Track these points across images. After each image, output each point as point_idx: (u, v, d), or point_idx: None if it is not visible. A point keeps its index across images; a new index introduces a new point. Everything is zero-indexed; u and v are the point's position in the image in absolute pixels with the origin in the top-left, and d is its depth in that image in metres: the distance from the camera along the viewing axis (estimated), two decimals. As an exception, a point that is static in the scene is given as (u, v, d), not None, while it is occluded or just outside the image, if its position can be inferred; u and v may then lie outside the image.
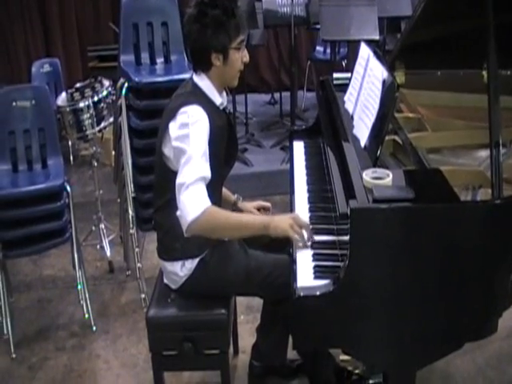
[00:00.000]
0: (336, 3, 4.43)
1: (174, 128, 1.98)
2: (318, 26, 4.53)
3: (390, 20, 4.70)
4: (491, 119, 1.72)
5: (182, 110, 1.97)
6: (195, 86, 2.06)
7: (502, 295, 1.70)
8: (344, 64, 5.52)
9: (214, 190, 1.99)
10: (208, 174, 1.90)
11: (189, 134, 1.93)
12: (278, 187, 4.12)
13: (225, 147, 2.12)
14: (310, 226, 1.96)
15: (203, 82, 2.06)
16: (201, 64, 2.05)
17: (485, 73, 2.65)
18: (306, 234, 1.91)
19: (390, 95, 1.85)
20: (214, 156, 1.97)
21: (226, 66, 2.02)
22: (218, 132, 2.02)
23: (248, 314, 2.93)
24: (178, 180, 1.90)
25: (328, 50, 5.40)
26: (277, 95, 5.63)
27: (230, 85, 2.14)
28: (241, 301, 2.75)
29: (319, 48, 5.84)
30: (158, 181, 2.17)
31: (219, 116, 2.07)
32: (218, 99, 2.08)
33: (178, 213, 1.90)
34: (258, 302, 2.45)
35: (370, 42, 4.73)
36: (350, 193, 1.66)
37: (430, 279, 1.59)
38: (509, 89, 2.69)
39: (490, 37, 1.88)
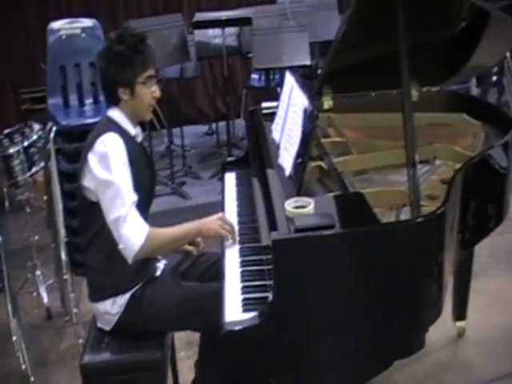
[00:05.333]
0: (267, 31, 4.52)
1: (93, 160, 2.01)
2: (251, 55, 4.59)
3: (323, 44, 4.80)
4: (406, 140, 1.76)
5: (99, 140, 2.01)
6: (109, 119, 2.13)
7: (428, 310, 1.73)
8: (279, 90, 5.56)
9: (143, 212, 2.05)
10: (135, 197, 1.99)
11: (110, 164, 1.97)
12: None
13: (144, 177, 2.15)
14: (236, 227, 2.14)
15: (116, 115, 2.12)
16: (111, 98, 2.12)
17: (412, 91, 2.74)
18: (233, 231, 2.11)
19: (310, 124, 1.89)
20: (136, 181, 2.02)
21: (134, 100, 2.08)
22: (136, 159, 2.06)
23: (188, 350, 2.90)
24: (113, 215, 1.95)
25: (263, 78, 5.47)
26: (215, 125, 5.66)
27: (142, 119, 2.19)
28: (180, 336, 2.72)
29: (254, 76, 5.88)
30: (80, 218, 2.21)
31: (135, 146, 2.13)
32: (133, 130, 2.14)
33: (121, 246, 1.96)
34: (197, 336, 2.42)
35: (302, 67, 4.91)
36: (272, 224, 1.66)
37: (357, 302, 1.61)
38: (433, 106, 2.80)
39: (403, 58, 1.94)
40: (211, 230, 2.10)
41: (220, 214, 2.18)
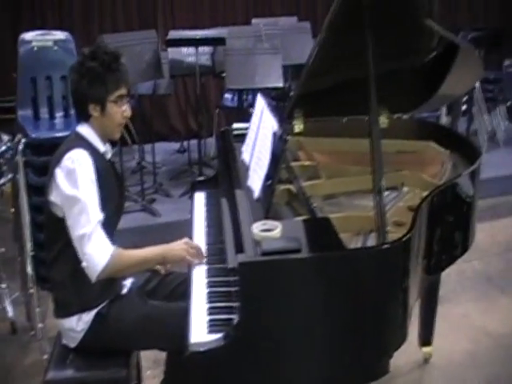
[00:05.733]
0: (240, 52, 4.56)
1: (60, 175, 1.99)
2: (225, 75, 4.61)
3: (296, 67, 4.85)
4: (373, 167, 1.78)
5: (67, 156, 1.99)
6: (77, 135, 2.11)
7: (393, 336, 1.75)
8: (252, 111, 5.59)
9: (109, 230, 2.03)
10: (101, 215, 1.97)
11: (77, 180, 1.96)
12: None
13: (112, 195, 2.13)
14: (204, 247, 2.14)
15: (86, 131, 2.11)
16: (81, 113, 2.11)
17: (381, 118, 2.78)
18: (200, 255, 2.11)
19: (279, 147, 1.90)
20: (104, 198, 2.01)
21: (104, 117, 2.07)
22: (104, 176, 2.05)
23: (155, 369, 2.86)
24: (78, 232, 1.94)
25: (236, 98, 5.49)
26: (186, 143, 5.65)
27: (111, 137, 2.18)
28: (147, 355, 2.70)
29: (227, 95, 5.91)
30: (46, 233, 2.19)
31: (104, 163, 2.11)
32: (102, 147, 2.12)
33: (84, 264, 1.94)
34: (165, 355, 2.37)
35: (275, 89, 4.94)
36: (239, 246, 1.66)
37: (322, 326, 1.61)
38: (403, 133, 2.85)
39: (371, 84, 1.97)
40: (176, 255, 2.10)
41: (186, 239, 2.17)
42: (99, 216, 1.97)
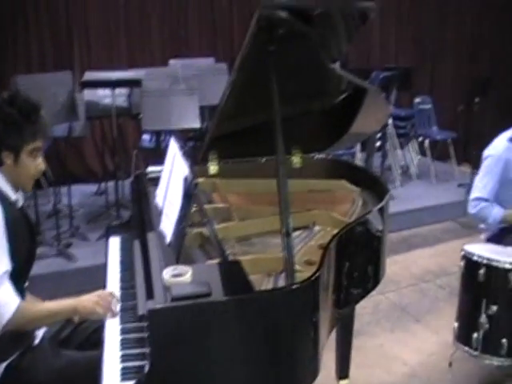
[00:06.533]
0: (157, 93, 4.56)
1: None
2: (141, 116, 4.61)
3: (213, 108, 4.90)
4: (280, 210, 1.83)
5: None
6: None
7: (305, 371, 1.77)
8: (169, 152, 5.59)
9: (20, 280, 1.99)
10: (9, 266, 1.92)
11: None
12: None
13: (23, 244, 2.07)
14: (115, 298, 2.07)
15: None
16: None
17: (293, 158, 2.86)
18: (113, 307, 2.04)
19: (189, 192, 1.92)
20: (13, 248, 1.95)
21: (17, 167, 2.02)
22: (14, 226, 1.99)
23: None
24: None
25: (154, 139, 5.48)
26: (104, 185, 5.58)
27: (23, 188, 2.13)
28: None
29: (145, 136, 5.90)
30: None
31: (14, 212, 2.05)
32: (13, 195, 2.07)
33: None
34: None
35: (192, 131, 4.97)
36: (149, 293, 1.66)
37: (234, 368, 1.62)
38: (315, 173, 2.93)
39: (277, 126, 2.03)
40: (87, 308, 2.04)
41: (99, 292, 2.13)
42: (6, 267, 1.92)
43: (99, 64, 6.24)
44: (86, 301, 2.05)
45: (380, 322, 3.87)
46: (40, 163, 2.08)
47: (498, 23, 7.34)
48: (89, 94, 4.87)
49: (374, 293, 2.47)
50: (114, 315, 2.02)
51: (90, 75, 4.80)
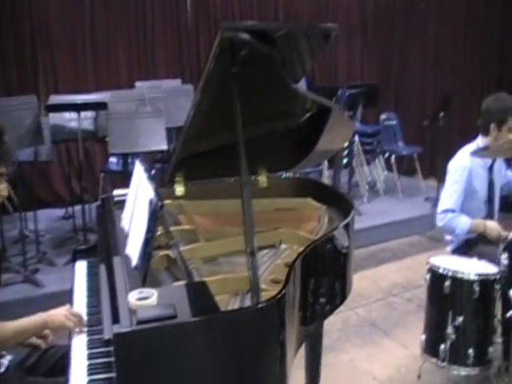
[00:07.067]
0: (123, 116, 4.57)
1: None
2: (108, 139, 4.60)
3: (179, 129, 4.91)
4: (245, 229, 1.84)
5: None
6: None
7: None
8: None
9: None
10: None
11: None
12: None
13: None
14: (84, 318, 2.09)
15: None
16: None
17: (260, 177, 2.88)
18: (81, 322, 2.07)
19: (154, 215, 1.92)
20: None
21: None
22: None
23: None
24: None
25: (121, 162, 5.46)
26: (71, 209, 5.54)
27: None
28: None
29: (112, 159, 5.89)
30: None
31: None
32: None
33: None
34: None
35: (160, 152, 4.97)
36: (115, 317, 1.66)
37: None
38: (282, 192, 2.96)
39: (240, 146, 2.05)
40: (56, 321, 2.07)
41: (67, 306, 2.15)
42: None
43: (65, 87, 6.22)
44: (55, 315, 2.08)
45: (349, 337, 3.90)
46: (3, 189, 2.07)
47: (460, 39, 7.51)
48: (54, 118, 4.83)
49: (343, 308, 2.49)
50: (81, 330, 2.05)
51: (55, 99, 4.79)
